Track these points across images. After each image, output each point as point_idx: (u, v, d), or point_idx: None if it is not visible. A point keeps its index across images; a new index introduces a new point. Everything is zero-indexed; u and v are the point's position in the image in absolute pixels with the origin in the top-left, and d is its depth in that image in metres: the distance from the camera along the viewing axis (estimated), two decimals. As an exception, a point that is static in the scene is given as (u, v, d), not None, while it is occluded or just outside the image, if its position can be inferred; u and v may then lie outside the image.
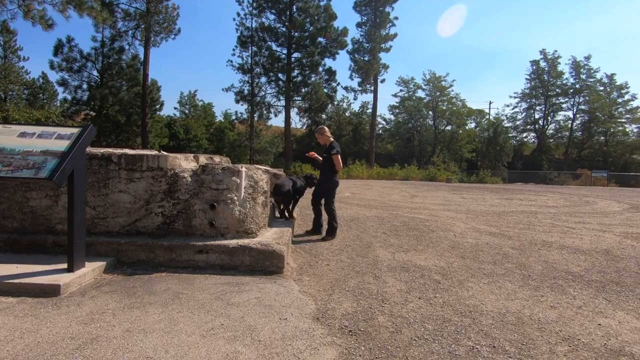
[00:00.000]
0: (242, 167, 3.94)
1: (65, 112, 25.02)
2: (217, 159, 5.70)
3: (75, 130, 3.20)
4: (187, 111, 48.80)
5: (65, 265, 3.15)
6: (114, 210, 3.81)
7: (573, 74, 45.28)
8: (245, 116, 34.01)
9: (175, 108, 53.31)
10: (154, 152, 3.98)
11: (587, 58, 44.30)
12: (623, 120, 43.40)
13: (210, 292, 3.09)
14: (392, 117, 47.34)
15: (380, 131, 46.61)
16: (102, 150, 3.92)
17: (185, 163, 4.28)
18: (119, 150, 3.96)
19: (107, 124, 28.39)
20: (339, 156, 5.47)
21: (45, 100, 38.47)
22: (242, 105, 34.10)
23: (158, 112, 33.91)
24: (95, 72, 27.97)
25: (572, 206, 11.19)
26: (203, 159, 5.25)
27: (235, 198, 3.88)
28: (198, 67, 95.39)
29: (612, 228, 7.13)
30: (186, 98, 49.61)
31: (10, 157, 2.98)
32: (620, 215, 9.30)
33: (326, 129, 5.70)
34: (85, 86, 27.67)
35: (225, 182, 3.84)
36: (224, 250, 3.64)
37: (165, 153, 3.93)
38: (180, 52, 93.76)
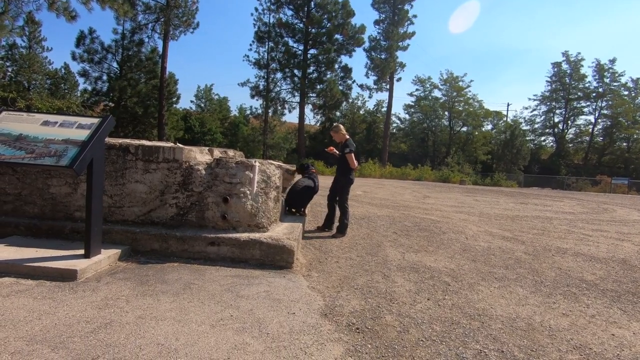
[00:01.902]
0: (255, 162, 3.98)
1: (86, 103, 25.59)
2: (231, 152, 5.76)
3: (95, 121, 3.28)
4: (202, 105, 49.33)
5: (82, 252, 3.24)
6: (130, 199, 3.90)
7: (596, 77, 44.02)
8: (259, 111, 34.23)
9: (191, 101, 53.88)
10: (170, 144, 4.05)
11: (612, 61, 43.01)
12: (647, 126, 42.01)
13: (221, 283, 3.14)
14: (407, 117, 46.96)
15: (395, 130, 46.25)
16: (120, 140, 4.01)
17: (200, 156, 4.34)
18: (136, 141, 4.05)
19: (125, 115, 28.92)
20: (353, 155, 5.46)
21: (66, 91, 39.41)
22: (257, 100, 34.28)
23: (175, 105, 34.41)
24: (115, 64, 28.54)
25: (590, 213, 10.91)
26: (217, 152, 5.31)
27: (248, 192, 3.92)
28: (214, 61, 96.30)
29: (631, 237, 6.94)
30: (202, 92, 50.13)
31: (34, 145, 3.08)
32: (640, 224, 9.02)
33: (341, 127, 5.72)
34: (105, 77, 28.27)
35: (238, 176, 3.88)
36: (235, 243, 3.69)
37: (181, 145, 4.00)
38: (198, 46, 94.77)
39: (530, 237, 6.27)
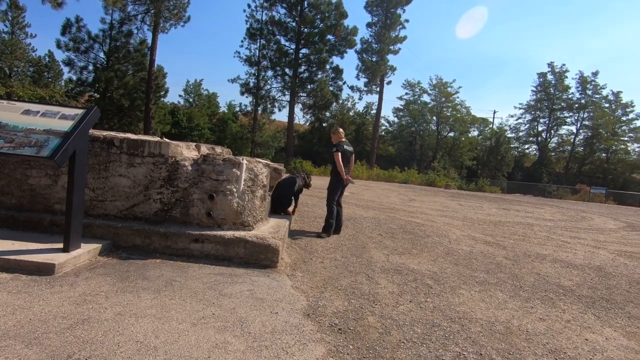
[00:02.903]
0: (243, 160, 3.95)
1: (70, 93, 24.96)
2: (218, 149, 5.71)
3: (79, 111, 3.21)
4: (191, 100, 48.69)
5: (61, 245, 3.16)
6: (112, 193, 3.82)
7: (579, 89, 45.24)
8: (249, 109, 33.96)
9: (180, 96, 53.20)
10: (156, 139, 3.99)
11: (595, 74, 44.26)
12: (626, 138, 43.42)
13: (204, 281, 3.10)
14: (396, 120, 47.34)
15: (383, 133, 46.57)
16: (105, 133, 3.93)
17: (186, 152, 4.29)
18: (121, 135, 3.97)
19: (110, 107, 28.32)
20: (338, 154, 5.50)
21: (50, 79, 38.30)
22: (246, 97, 34.01)
23: (163, 99, 33.86)
24: (102, 55, 27.92)
25: (569, 221, 11.23)
26: (205, 148, 5.25)
27: (235, 190, 3.89)
28: (205, 56, 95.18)
29: (607, 245, 7.17)
30: (191, 86, 49.49)
31: (13, 134, 2.99)
32: (616, 233, 9.33)
33: (340, 130, 5.86)
34: (91, 68, 27.61)
35: (225, 173, 3.85)
36: (220, 241, 3.66)
37: (167, 140, 3.94)
38: (188, 40, 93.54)
39: (512, 243, 6.41)
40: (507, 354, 2.42)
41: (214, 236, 3.66)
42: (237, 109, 37.08)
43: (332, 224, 5.55)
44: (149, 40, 27.90)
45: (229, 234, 3.72)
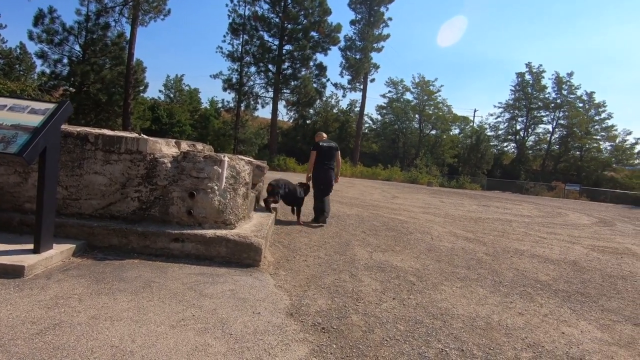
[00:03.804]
0: (224, 157, 3.87)
1: (43, 86, 23.98)
2: (199, 146, 5.58)
3: (51, 106, 3.06)
4: (172, 95, 47.60)
5: (31, 246, 3.01)
6: (87, 191, 3.67)
7: (555, 88, 46.64)
8: (231, 105, 33.49)
9: (160, 91, 51.81)
10: (134, 135, 3.85)
11: (570, 74, 45.70)
12: (598, 137, 45.07)
13: (184, 281, 3.02)
14: (379, 117, 47.68)
15: (367, 130, 46.83)
16: (79, 128, 3.76)
17: (166, 148, 4.17)
18: (96, 130, 3.82)
19: (87, 101, 27.37)
20: (313, 153, 6.24)
21: (22, 72, 36.68)
22: (229, 93, 33.55)
23: (142, 94, 32.96)
24: (77, 47, 26.89)
25: (545, 217, 11.57)
26: (185, 145, 5.12)
27: (216, 188, 3.81)
28: (187, 51, 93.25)
29: (581, 240, 7.41)
30: (172, 82, 48.36)
31: (-22, 129, 2.82)
32: (589, 228, 9.68)
33: (320, 134, 6.66)
34: (65, 61, 26.58)
35: (206, 170, 3.76)
36: (201, 240, 3.57)
37: (145, 136, 3.81)
38: (169, 34, 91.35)
39: (491, 239, 6.54)
40: (488, 349, 2.45)
41: (194, 235, 3.57)
42: (220, 105, 36.52)
43: (321, 210, 6.27)
44: (128, 34, 27.11)
45: (210, 232, 3.64)
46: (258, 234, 3.87)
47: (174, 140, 4.75)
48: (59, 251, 3.11)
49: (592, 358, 2.49)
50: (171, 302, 2.60)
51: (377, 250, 4.99)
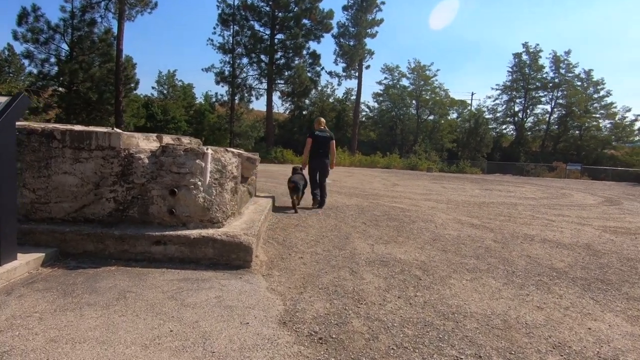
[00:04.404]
0: (207, 149, 3.53)
1: (31, 87, 23.43)
2: (185, 140, 5.22)
3: (3, 99, 2.70)
4: (165, 91, 46.89)
5: (-9, 258, 2.69)
6: (57, 194, 3.34)
7: (553, 68, 45.97)
8: (225, 98, 32.92)
9: (153, 88, 50.97)
10: (105, 129, 3.50)
11: (567, 53, 45.00)
12: (597, 115, 44.62)
13: (164, 290, 2.71)
14: (376, 105, 47.05)
15: (364, 118, 46.28)
16: (43, 125, 3.41)
17: (145, 143, 3.82)
18: (63, 126, 3.46)
19: (77, 101, 26.83)
20: (308, 140, 6.51)
21: (11, 74, 35.93)
22: (222, 86, 32.96)
23: (134, 92, 32.34)
24: (64, 45, 26.25)
25: (550, 198, 11.27)
26: (169, 139, 4.77)
27: (200, 183, 3.47)
28: (179, 46, 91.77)
29: (591, 221, 7.12)
30: (165, 78, 47.59)
31: None
32: (597, 208, 9.39)
33: (320, 119, 6.88)
34: (53, 60, 25.96)
35: (187, 165, 3.42)
36: (185, 242, 3.26)
37: (118, 130, 3.47)
38: (160, 29, 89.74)
39: (498, 224, 6.24)
40: (509, 353, 2.15)
41: (177, 236, 3.25)
42: (214, 99, 35.92)
43: (315, 195, 6.63)
44: (115, 29, 26.42)
45: (194, 233, 3.32)
46: (248, 231, 3.55)
47: (155, 134, 4.41)
48: (25, 262, 2.79)
49: (628, 358, 2.19)
50: (147, 316, 2.29)
51: (379, 242, 4.68)
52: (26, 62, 26.53)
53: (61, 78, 26.06)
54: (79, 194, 3.34)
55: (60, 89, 26.52)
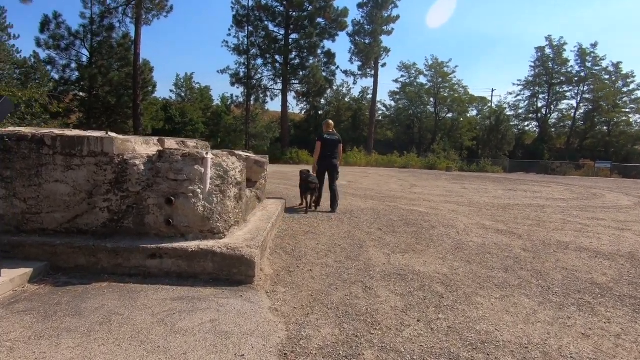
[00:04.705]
0: (207, 154, 3.26)
1: (53, 92, 24.00)
2: (191, 143, 4.99)
3: (-17, 104, 2.50)
4: (183, 94, 47.54)
5: (-27, 275, 2.50)
6: (49, 203, 3.14)
7: (578, 61, 44.05)
8: (241, 100, 32.98)
9: (171, 91, 51.78)
10: (98, 134, 3.28)
11: (594, 45, 43.02)
12: (627, 110, 42.45)
13: (155, 311, 2.44)
14: (393, 104, 46.23)
15: (380, 117, 45.58)
16: (33, 130, 3.22)
17: (143, 148, 3.59)
18: (55, 131, 3.26)
19: (97, 105, 27.45)
20: (318, 144, 6.53)
21: (37, 81, 37.12)
22: (237, 88, 33.01)
23: (154, 95, 32.81)
24: (84, 51, 26.86)
25: (580, 199, 10.56)
26: (172, 142, 4.56)
27: (199, 191, 3.21)
28: (195, 49, 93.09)
29: (630, 225, 6.51)
30: (182, 81, 48.27)
31: None
32: (634, 210, 8.68)
33: (328, 122, 6.89)
34: (73, 65, 26.61)
35: (185, 171, 3.16)
36: (182, 255, 2.99)
37: (113, 135, 3.24)
38: (177, 33, 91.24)
39: (526, 230, 5.75)
40: (555, 400, 1.77)
41: (174, 249, 2.99)
42: (230, 101, 36.06)
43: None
44: (132, 34, 26.82)
45: (192, 245, 3.05)
46: (252, 243, 3.26)
47: (157, 137, 4.18)
48: (9, 278, 2.58)
49: None
50: (130, 346, 2.02)
51: (396, 251, 4.31)
52: (48, 68, 27.18)
53: (82, 83, 26.66)
54: (72, 203, 3.13)
55: (81, 93, 27.13)
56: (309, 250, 4.18)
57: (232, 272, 3.01)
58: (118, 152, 3.16)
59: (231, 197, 3.53)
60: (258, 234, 3.58)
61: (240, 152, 5.28)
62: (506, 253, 4.39)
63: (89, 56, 26.90)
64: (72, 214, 3.14)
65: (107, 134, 3.31)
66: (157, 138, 4.18)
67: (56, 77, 26.82)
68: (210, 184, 3.28)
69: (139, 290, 2.76)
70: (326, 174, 6.62)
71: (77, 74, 26.58)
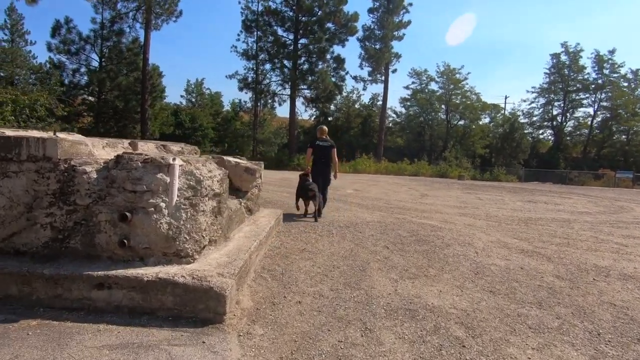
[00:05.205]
0: (174, 160, 2.68)
1: (61, 96, 24.01)
2: (175, 147, 4.42)
3: None
4: (193, 100, 47.62)
5: None
6: (-20, 218, 2.59)
7: (595, 68, 42.72)
8: (249, 105, 32.71)
9: (181, 96, 52.02)
10: (40, 134, 2.74)
11: (612, 52, 41.69)
12: (647, 118, 40.91)
13: (81, 368, 1.85)
14: (403, 110, 45.47)
15: (391, 124, 44.84)
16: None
17: (104, 152, 3.04)
18: (-7, 130, 2.73)
19: (106, 109, 27.45)
20: (309, 150, 6.79)
21: (49, 86, 37.51)
22: (246, 93, 32.73)
23: (165, 100, 32.76)
24: (94, 55, 26.94)
25: (608, 213, 9.71)
26: (151, 146, 4.00)
27: (163, 205, 2.62)
28: (206, 55, 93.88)
29: (673, 246, 5.71)
30: (193, 86, 48.39)
31: None
32: (671, 226, 7.82)
33: (322, 128, 7.02)
34: (83, 70, 26.70)
35: (145, 180, 2.58)
36: (135, 285, 2.40)
37: (59, 135, 2.69)
38: (190, 40, 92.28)
39: (555, 250, 5.03)
40: None
41: (125, 278, 2.40)
42: (239, 106, 35.82)
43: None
44: (142, 39, 26.82)
45: (150, 273, 2.45)
46: (227, 269, 2.66)
47: (128, 140, 3.63)
48: None
49: None
50: None
51: (405, 276, 3.66)
52: (57, 72, 27.27)
53: (90, 87, 26.69)
54: (7, 218, 2.57)
55: (90, 98, 27.16)
56: (301, 274, 3.55)
57: (197, 308, 2.40)
58: (66, 156, 2.60)
59: (206, 212, 2.94)
60: (238, 257, 2.98)
61: (230, 158, 4.71)
62: (537, 281, 3.69)
63: (98, 61, 26.97)
64: (8, 232, 2.58)
65: (54, 134, 2.77)
66: (128, 141, 3.63)
67: (66, 81, 26.89)
68: (178, 196, 2.69)
69: (74, 333, 2.17)
70: (319, 179, 6.68)
71: (86, 78, 26.63)
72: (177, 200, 2.69)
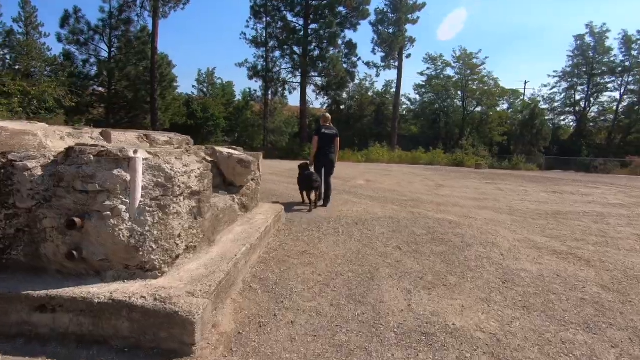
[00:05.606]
0: (135, 152, 2.18)
1: (71, 88, 23.93)
2: (162, 137, 3.93)
3: None
4: (205, 89, 47.32)
5: None
6: None
7: (623, 50, 40.33)
8: (259, 93, 32.14)
9: (193, 86, 51.70)
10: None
11: (641, 32, 39.25)
12: (679, 102, 38.58)
13: None
14: (418, 97, 44.11)
15: (405, 112, 43.63)
16: None
17: (62, 144, 2.57)
18: None
19: (116, 99, 27.34)
20: (315, 138, 6.55)
21: (65, 78, 37.71)
22: (255, 81, 32.11)
23: (177, 91, 32.46)
24: (103, 45, 26.72)
25: (643, 205, 8.87)
26: (131, 135, 3.53)
27: (123, 207, 2.14)
28: (218, 43, 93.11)
29: None
30: (204, 76, 48.05)
31: None
32: None
33: (325, 115, 6.87)
34: (92, 60, 26.55)
35: (99, 178, 2.10)
36: (84, 308, 1.94)
37: (0, 124, 2.22)
38: (199, 29, 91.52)
39: (593, 251, 4.39)
40: None
41: (72, 299, 1.95)
42: (249, 96, 35.29)
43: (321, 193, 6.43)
44: (150, 27, 26.42)
45: (103, 292, 1.99)
46: (200, 285, 2.18)
47: (100, 129, 3.17)
48: None
49: None
50: None
51: (419, 286, 3.12)
52: (67, 63, 27.21)
53: (100, 78, 26.57)
54: (-63, 224, 2.14)
55: (100, 88, 27.07)
56: (298, 283, 3.05)
57: (160, 337, 1.93)
58: (4, 149, 2.14)
59: (181, 214, 2.45)
60: (218, 268, 2.49)
61: (222, 149, 4.21)
62: (578, 292, 3.11)
63: (107, 51, 26.77)
64: (-62, 240, 2.15)
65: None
66: (100, 130, 3.16)
67: (76, 72, 26.83)
68: (142, 196, 2.21)
69: (0, 372, 1.73)
70: (323, 167, 6.56)
71: (95, 68, 26.50)
72: (140, 201, 2.21)
